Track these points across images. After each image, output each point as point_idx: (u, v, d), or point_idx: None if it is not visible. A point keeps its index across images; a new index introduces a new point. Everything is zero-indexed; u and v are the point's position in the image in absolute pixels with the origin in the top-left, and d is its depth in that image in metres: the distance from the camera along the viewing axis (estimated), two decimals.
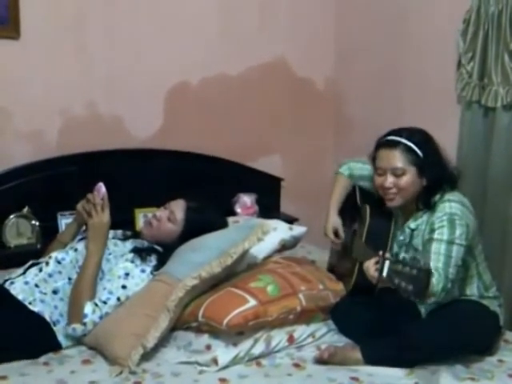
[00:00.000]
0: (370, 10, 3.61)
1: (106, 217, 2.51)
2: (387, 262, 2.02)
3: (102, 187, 2.54)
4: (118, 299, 2.37)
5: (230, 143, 3.63)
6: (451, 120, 3.01)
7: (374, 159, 2.45)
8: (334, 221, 2.71)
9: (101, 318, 2.33)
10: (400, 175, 2.35)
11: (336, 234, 2.71)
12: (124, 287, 2.40)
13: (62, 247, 2.62)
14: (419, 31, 3.28)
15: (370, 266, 2.12)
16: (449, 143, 2.91)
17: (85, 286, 2.37)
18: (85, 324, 2.31)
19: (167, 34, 3.43)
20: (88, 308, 2.32)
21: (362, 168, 2.65)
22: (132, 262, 2.48)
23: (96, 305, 2.33)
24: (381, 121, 3.45)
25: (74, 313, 2.34)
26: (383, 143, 2.40)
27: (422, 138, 2.39)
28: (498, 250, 2.79)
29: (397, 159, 2.34)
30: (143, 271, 2.46)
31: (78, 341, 2.37)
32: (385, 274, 2.01)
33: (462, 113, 2.99)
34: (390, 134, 2.42)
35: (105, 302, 2.35)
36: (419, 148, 2.34)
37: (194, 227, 2.58)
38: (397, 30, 3.42)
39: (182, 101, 3.54)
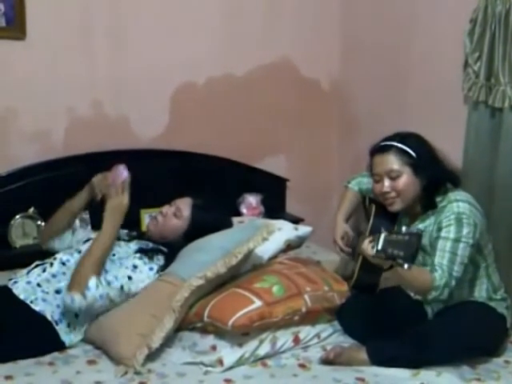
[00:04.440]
0: (375, 9, 3.60)
1: (125, 198, 2.49)
2: (382, 235, 2.04)
3: (124, 171, 2.50)
4: (122, 287, 2.38)
5: (235, 143, 3.63)
6: (458, 120, 2.99)
7: (370, 168, 2.45)
8: (343, 227, 2.71)
9: (101, 297, 2.31)
10: (396, 178, 2.34)
11: (344, 239, 2.70)
12: (130, 278, 2.41)
13: (69, 216, 2.63)
14: (425, 31, 3.26)
15: (367, 244, 2.16)
16: (455, 144, 2.90)
17: (93, 261, 2.36)
18: (85, 296, 2.28)
19: (173, 34, 3.42)
20: (92, 282, 2.30)
21: (369, 182, 2.64)
22: (140, 259, 2.48)
23: (100, 282, 2.32)
24: (386, 121, 3.45)
25: (77, 281, 2.31)
26: (376, 149, 2.42)
27: (414, 139, 2.40)
28: (505, 250, 2.77)
29: (390, 162, 2.35)
30: (151, 269, 2.47)
31: (83, 337, 2.38)
32: (380, 246, 2.02)
33: (468, 113, 2.96)
34: (382, 140, 2.43)
35: (108, 283, 2.35)
36: (411, 149, 2.35)
37: (200, 225, 2.58)
38: (402, 30, 3.40)
39: (188, 101, 3.53)
